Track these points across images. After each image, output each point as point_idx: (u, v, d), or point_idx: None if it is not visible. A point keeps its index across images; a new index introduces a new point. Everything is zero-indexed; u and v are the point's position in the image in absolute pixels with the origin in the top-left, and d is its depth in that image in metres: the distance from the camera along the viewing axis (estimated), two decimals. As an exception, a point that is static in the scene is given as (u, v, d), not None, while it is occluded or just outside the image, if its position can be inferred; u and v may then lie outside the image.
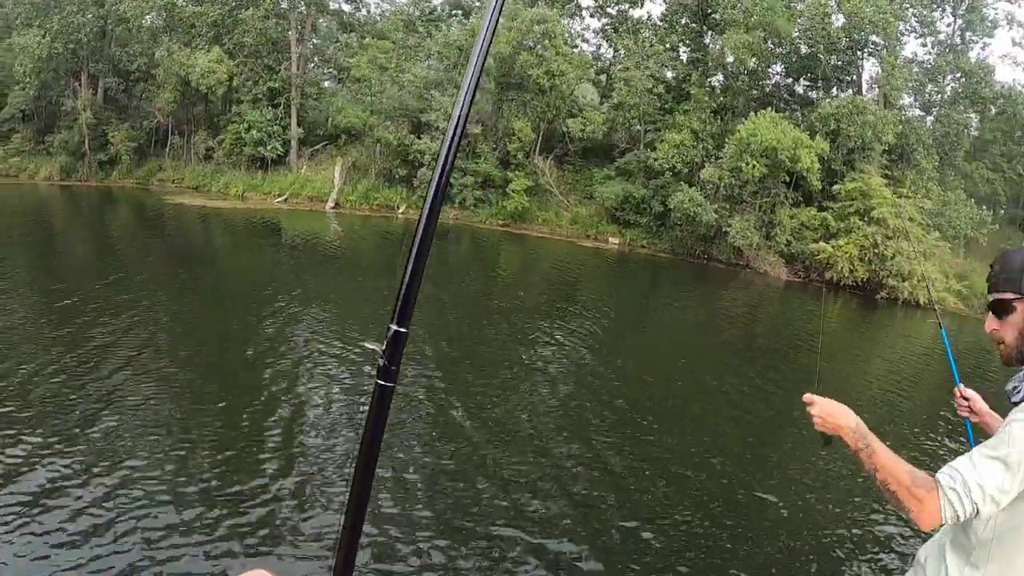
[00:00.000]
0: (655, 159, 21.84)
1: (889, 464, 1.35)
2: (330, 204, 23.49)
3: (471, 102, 0.99)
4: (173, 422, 5.78)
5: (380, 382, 0.94)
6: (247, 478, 4.87)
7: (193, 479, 4.78)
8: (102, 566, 3.77)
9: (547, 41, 21.72)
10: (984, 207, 25.91)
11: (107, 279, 11.85)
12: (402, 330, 0.94)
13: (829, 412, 1.41)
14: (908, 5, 25.47)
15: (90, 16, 27.10)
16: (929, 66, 26.28)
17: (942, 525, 1.35)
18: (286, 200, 24.07)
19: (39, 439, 5.17)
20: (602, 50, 27.56)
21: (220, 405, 6.26)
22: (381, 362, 0.93)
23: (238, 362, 7.72)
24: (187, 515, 4.33)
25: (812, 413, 1.42)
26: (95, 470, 4.79)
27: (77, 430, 5.42)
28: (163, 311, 9.76)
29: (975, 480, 1.32)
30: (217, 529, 4.23)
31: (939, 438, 7.95)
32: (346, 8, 27.83)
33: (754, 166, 20.47)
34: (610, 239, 22.62)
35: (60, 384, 6.36)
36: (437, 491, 5.03)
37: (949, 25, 26.76)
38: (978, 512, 1.33)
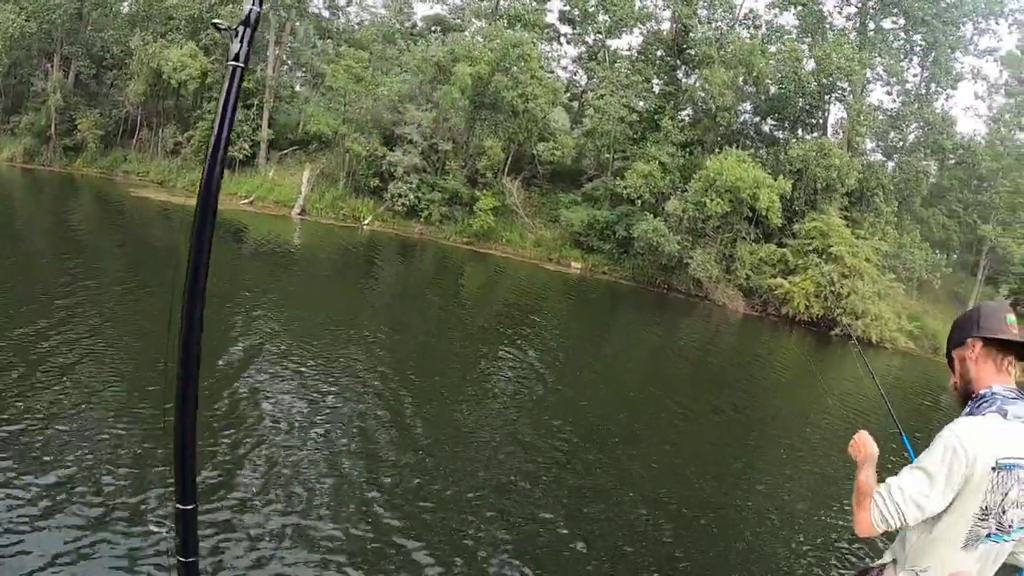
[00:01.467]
0: (623, 187, 22.20)
1: (861, 481, 1.63)
2: (296, 210, 23.29)
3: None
4: (97, 426, 5.63)
5: (180, 559, 0.90)
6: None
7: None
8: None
9: (522, 64, 21.98)
10: (938, 251, 26.89)
11: (58, 268, 11.57)
12: (188, 508, 0.88)
13: (861, 442, 1.75)
14: (876, 54, 26.40)
15: (67, -4, 26.57)
16: (893, 114, 27.25)
17: (883, 534, 1.60)
18: (252, 203, 23.79)
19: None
20: (577, 76, 28.02)
21: (145, 410, 6.08)
22: (176, 540, 0.88)
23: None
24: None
25: (855, 439, 1.77)
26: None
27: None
28: (107, 310, 9.53)
29: (897, 485, 1.52)
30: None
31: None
32: (325, 14, 27.80)
33: (718, 203, 20.97)
34: (572, 263, 22.87)
35: None
36: (390, 509, 5.05)
37: (916, 75, 27.81)
38: (905, 518, 1.51)
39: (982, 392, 1.60)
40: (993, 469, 1.48)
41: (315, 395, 7.27)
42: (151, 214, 21.78)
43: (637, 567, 4.88)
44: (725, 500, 6.50)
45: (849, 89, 26.22)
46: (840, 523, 6.20)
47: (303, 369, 8.01)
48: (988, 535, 1.53)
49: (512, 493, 5.73)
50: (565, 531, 5.19)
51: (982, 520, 1.51)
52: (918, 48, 27.61)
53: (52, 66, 28.14)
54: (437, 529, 4.92)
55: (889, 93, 28.00)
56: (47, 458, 4.86)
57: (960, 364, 1.68)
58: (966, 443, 1.47)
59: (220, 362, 7.87)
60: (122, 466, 4.98)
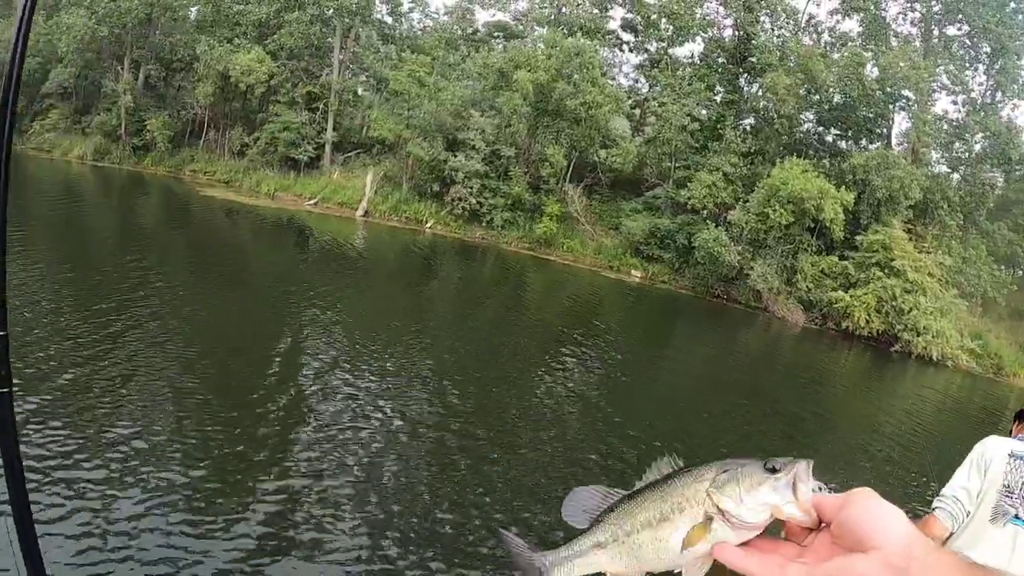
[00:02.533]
0: (686, 197, 22.14)
1: None
2: (360, 212, 23.81)
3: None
4: (171, 416, 5.95)
5: None
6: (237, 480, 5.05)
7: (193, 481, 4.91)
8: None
9: (584, 72, 22.07)
10: (1003, 267, 26.04)
11: (129, 262, 12.14)
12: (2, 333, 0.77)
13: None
14: (941, 63, 25.73)
15: (137, 2, 27.56)
16: (958, 124, 26.50)
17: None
18: (316, 204, 24.40)
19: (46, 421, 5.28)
20: (639, 84, 27.97)
21: (216, 403, 6.36)
22: None
23: (242, 358, 7.95)
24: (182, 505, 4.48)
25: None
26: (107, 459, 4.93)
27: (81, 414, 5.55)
28: (177, 302, 9.97)
29: (946, 487, 1.91)
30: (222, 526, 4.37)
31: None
32: (388, 20, 28.33)
33: (781, 213, 20.74)
34: (632, 272, 22.85)
35: (72, 368, 6.49)
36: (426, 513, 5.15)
37: (981, 84, 27.00)
38: (963, 505, 1.83)
39: None
40: (1009, 455, 1.86)
41: (377, 390, 7.53)
42: (216, 212, 22.53)
43: None
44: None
45: (914, 99, 25.64)
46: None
47: (367, 365, 8.24)
48: (1016, 516, 1.78)
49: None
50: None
51: (1007, 496, 1.80)
52: (983, 55, 26.81)
53: (122, 68, 29.26)
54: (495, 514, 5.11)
55: (954, 103, 27.26)
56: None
57: None
58: (987, 444, 1.95)
59: (287, 355, 8.14)
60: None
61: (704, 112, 23.88)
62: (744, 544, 0.54)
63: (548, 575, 0.63)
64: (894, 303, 21.22)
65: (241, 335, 8.89)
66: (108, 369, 6.67)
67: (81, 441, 5.10)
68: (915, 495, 7.32)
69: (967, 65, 26.88)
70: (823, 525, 0.52)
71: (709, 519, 0.54)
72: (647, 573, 0.59)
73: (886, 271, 21.55)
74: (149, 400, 6.15)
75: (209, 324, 9.07)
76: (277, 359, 8.06)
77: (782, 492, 0.53)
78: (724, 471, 0.55)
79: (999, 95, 26.75)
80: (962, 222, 24.90)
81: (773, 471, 0.54)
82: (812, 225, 21.86)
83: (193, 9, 29.18)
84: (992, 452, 1.88)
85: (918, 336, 20.79)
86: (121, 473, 4.74)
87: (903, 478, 8.34)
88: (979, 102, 26.70)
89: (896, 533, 0.47)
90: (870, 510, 0.49)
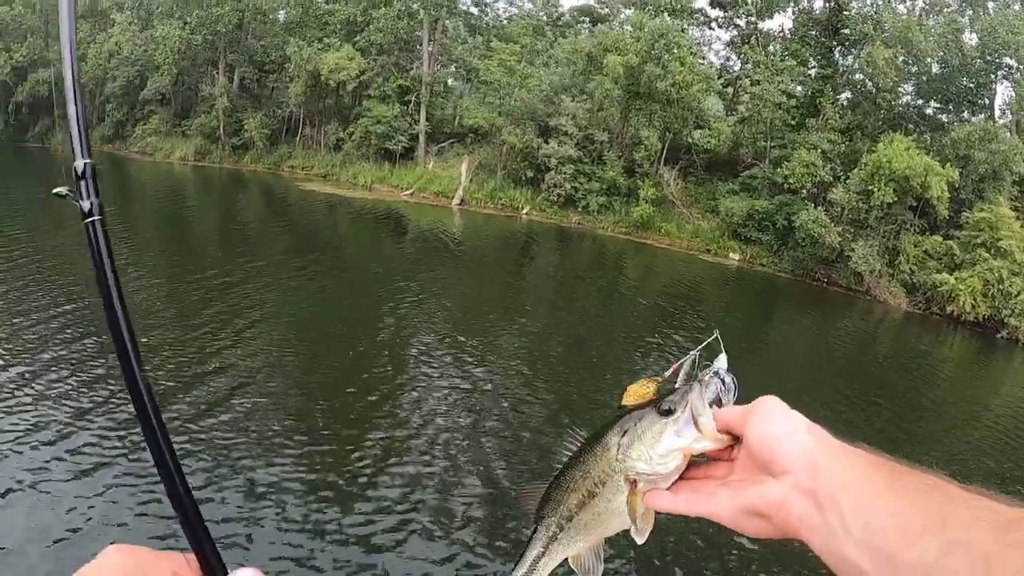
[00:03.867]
0: (783, 176, 21.92)
1: None
2: (456, 201, 24.58)
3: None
4: (281, 407, 6.58)
5: (87, 221, 0.77)
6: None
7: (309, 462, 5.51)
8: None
9: (673, 51, 21.98)
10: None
11: (239, 254, 13.17)
12: (87, 161, 0.79)
13: None
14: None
15: (228, 8, 29.01)
16: (1065, 92, 24.96)
17: None
18: (412, 194, 25.35)
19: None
20: (730, 62, 27.56)
21: (330, 391, 6.99)
22: (79, 204, 0.77)
23: (354, 338, 8.56)
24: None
25: None
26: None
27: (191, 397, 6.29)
28: (287, 290, 10.75)
29: None
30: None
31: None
32: (474, 11, 28.76)
33: (885, 191, 20.32)
34: (730, 254, 22.71)
35: (183, 361, 7.19)
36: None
37: (1089, 49, 25.27)
38: None
39: None
40: None
41: (471, 369, 7.98)
42: (318, 205, 23.78)
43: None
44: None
45: (1016, 66, 24.37)
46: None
47: (463, 344, 8.72)
48: None
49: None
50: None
51: None
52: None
53: (217, 72, 30.95)
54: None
55: (1061, 70, 25.65)
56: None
57: None
58: None
59: (387, 335, 8.67)
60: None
61: (799, 88, 23.43)
62: (678, 478, 0.54)
63: None
64: (1001, 286, 20.46)
65: (352, 317, 9.56)
66: (232, 348, 7.40)
67: (211, 405, 5.97)
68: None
69: (1072, 28, 25.20)
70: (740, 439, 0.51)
71: (633, 482, 0.55)
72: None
73: (992, 252, 20.77)
74: (271, 374, 6.86)
75: (320, 310, 9.75)
76: (387, 337, 8.69)
77: (685, 432, 0.52)
78: (624, 433, 0.55)
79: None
80: (1073, 197, 23.66)
81: (668, 413, 0.53)
82: (914, 204, 21.30)
83: (282, 12, 30.40)
84: None
85: (1027, 322, 20.02)
86: (251, 435, 5.53)
87: (1016, 467, 8.30)
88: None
89: (799, 451, 0.45)
90: (770, 428, 0.47)
